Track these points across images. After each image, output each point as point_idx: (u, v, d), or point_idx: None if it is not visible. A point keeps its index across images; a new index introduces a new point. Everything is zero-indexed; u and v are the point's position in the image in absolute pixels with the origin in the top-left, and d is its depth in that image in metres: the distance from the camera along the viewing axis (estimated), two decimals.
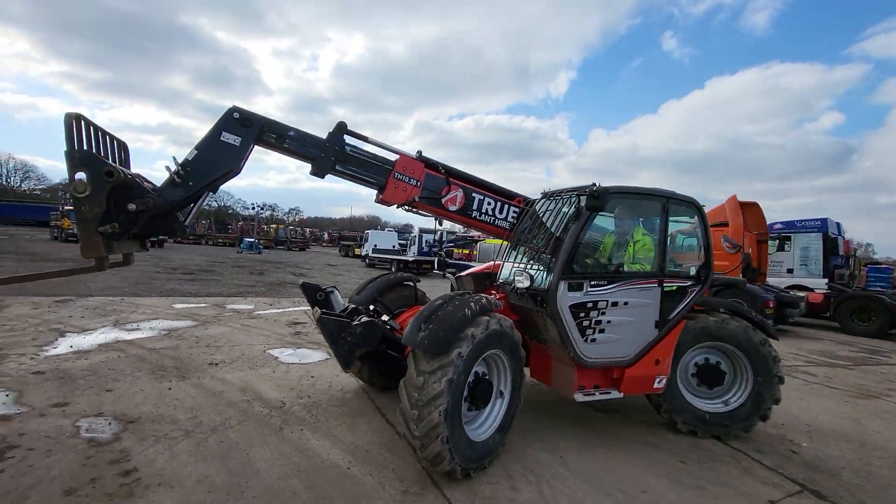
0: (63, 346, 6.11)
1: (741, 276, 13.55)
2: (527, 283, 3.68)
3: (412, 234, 28.09)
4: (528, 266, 3.90)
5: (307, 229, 70.28)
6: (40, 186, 63.03)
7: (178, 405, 4.39)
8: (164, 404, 4.38)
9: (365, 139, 4.07)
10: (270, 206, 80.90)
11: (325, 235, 69.13)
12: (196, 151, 3.52)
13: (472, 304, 3.29)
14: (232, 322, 8.43)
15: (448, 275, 5.42)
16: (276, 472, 3.29)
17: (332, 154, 3.88)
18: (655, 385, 4.01)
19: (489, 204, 4.51)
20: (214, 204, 79.04)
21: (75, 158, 2.98)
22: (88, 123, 3.13)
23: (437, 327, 3.10)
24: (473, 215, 4.45)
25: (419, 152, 4.30)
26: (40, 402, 4.22)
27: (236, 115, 3.59)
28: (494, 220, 4.54)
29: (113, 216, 3.14)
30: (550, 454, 3.82)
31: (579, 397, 3.80)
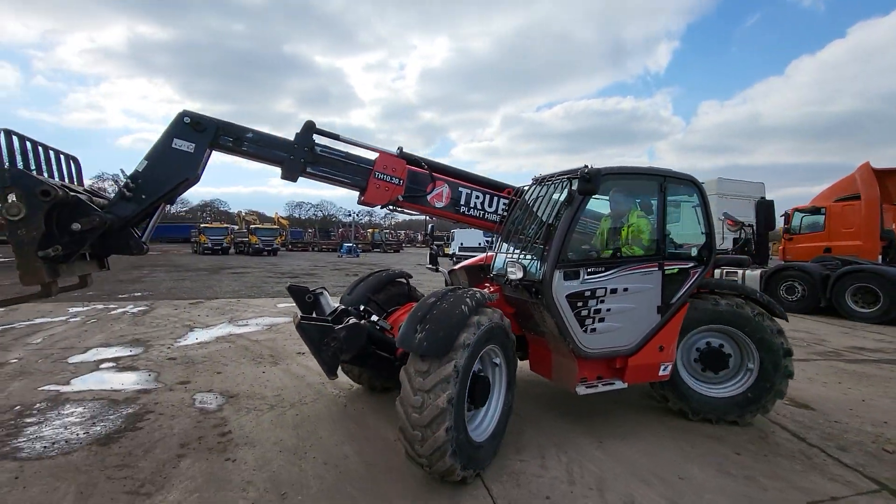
0: (191, 338, 7.58)
1: (882, 257, 11.67)
2: (520, 274, 3.57)
3: None
4: (521, 256, 3.79)
5: (402, 232, 73.97)
6: (185, 209, 75.31)
7: (267, 385, 5.30)
8: (257, 384, 5.31)
9: (336, 137, 3.89)
10: (368, 212, 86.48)
11: (419, 236, 72.05)
12: (146, 162, 3.30)
13: (467, 300, 3.16)
14: None
15: (441, 269, 5.16)
16: (334, 440, 3.92)
17: (301, 156, 3.70)
18: (661, 372, 3.92)
19: (477, 198, 4.37)
20: (319, 214, 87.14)
21: (4, 178, 2.78)
22: (23, 139, 2.96)
23: (434, 328, 2.94)
24: (462, 211, 4.33)
25: (400, 149, 4.12)
26: (170, 380, 5.39)
27: (187, 119, 3.39)
28: (484, 215, 4.42)
29: (55, 238, 2.91)
30: (591, 438, 3.91)
31: (581, 390, 3.69)
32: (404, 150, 4.20)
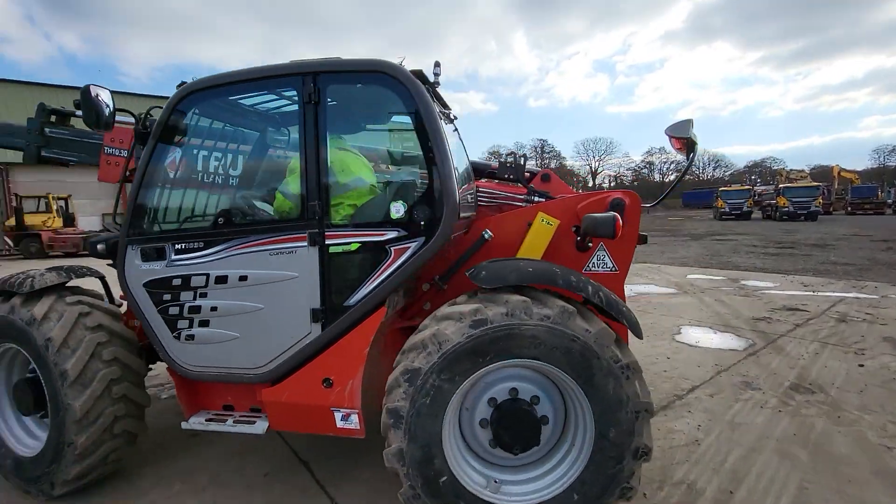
0: None
1: None
2: (98, 248, 2.58)
3: None
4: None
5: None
6: (728, 172, 67.13)
7: None
8: None
9: (70, 114, 3.47)
10: None
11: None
12: None
13: None
14: (709, 295, 7.49)
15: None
16: None
17: (34, 140, 3.41)
18: (339, 423, 2.23)
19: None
20: None
21: None
22: None
23: None
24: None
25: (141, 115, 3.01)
26: None
27: None
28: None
29: None
30: None
31: (186, 424, 2.43)
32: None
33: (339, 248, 2.15)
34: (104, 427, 2.29)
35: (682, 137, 2.25)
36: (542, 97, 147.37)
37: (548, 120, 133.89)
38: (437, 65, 2.30)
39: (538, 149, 69.52)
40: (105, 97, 2.20)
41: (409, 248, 2.12)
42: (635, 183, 68.78)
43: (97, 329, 2.34)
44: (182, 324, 2.34)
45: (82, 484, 2.41)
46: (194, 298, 2.31)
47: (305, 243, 2.15)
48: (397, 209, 2.15)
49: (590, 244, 2.45)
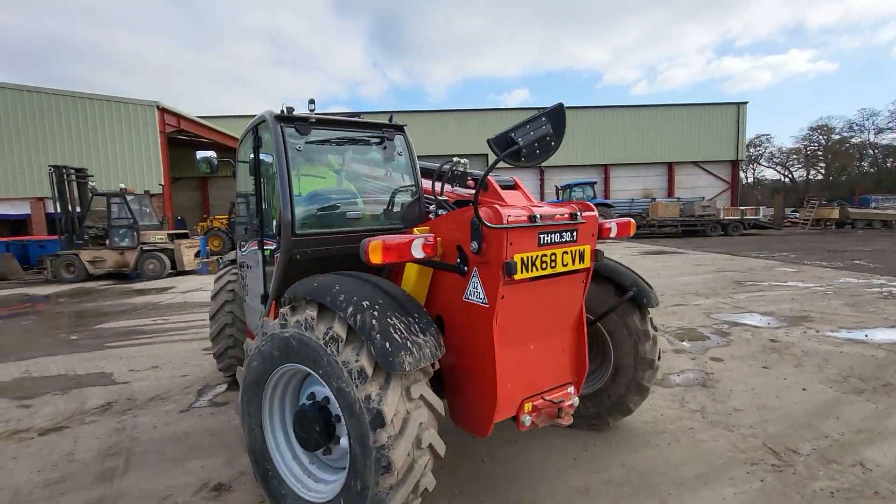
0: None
1: None
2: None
3: None
4: None
5: None
6: None
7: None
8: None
9: None
10: None
11: None
12: None
13: None
14: None
15: None
16: None
17: None
18: None
19: None
20: None
21: None
22: None
23: None
24: None
25: None
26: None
27: None
28: None
29: None
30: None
31: None
32: None
33: (266, 252, 2.88)
34: (223, 349, 3.87)
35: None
36: None
37: None
38: (311, 102, 2.68)
39: None
40: (212, 154, 3.58)
41: (277, 255, 2.64)
42: None
43: (230, 292, 3.89)
44: (243, 292, 3.60)
45: (227, 376, 4.09)
46: (245, 276, 3.51)
47: (255, 246, 2.98)
48: (274, 224, 2.69)
49: (465, 268, 2.08)
